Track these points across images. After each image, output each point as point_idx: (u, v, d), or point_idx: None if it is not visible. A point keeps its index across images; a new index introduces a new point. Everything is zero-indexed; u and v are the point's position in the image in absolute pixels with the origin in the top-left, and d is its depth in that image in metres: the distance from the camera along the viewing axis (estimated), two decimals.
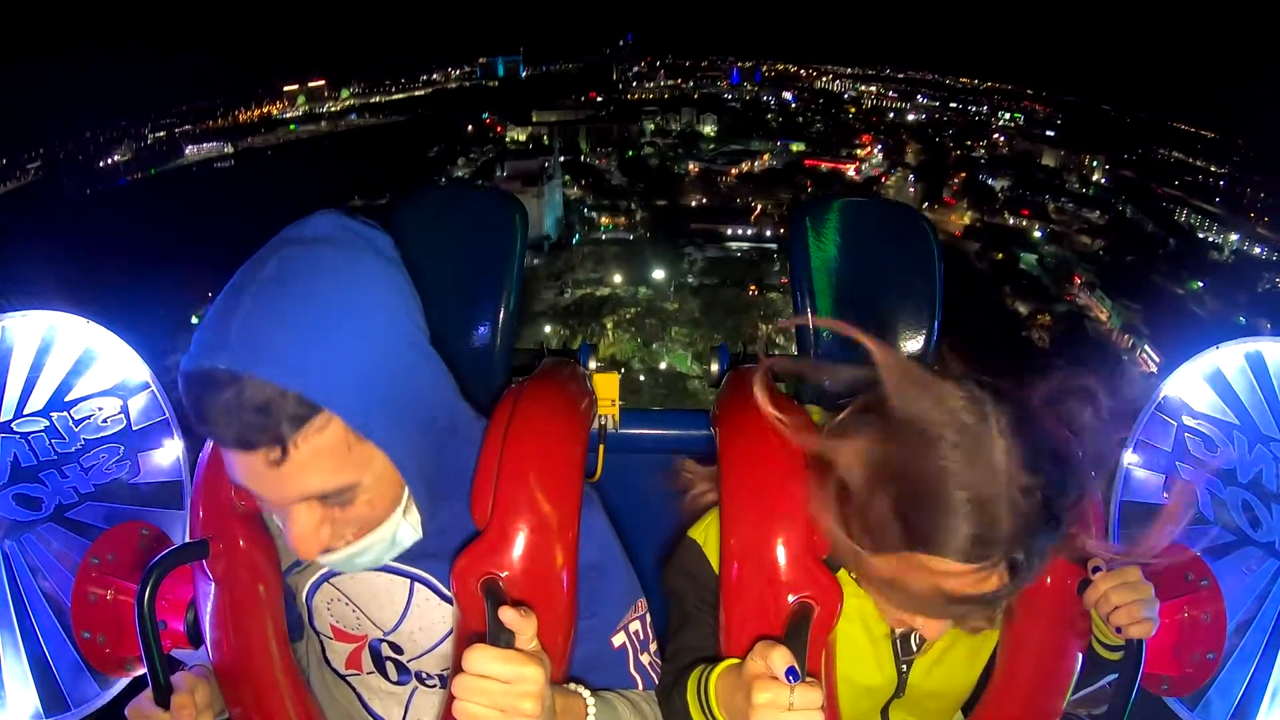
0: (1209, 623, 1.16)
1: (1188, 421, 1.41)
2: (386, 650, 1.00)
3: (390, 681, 1.02)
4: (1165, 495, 1.43)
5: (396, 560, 0.91)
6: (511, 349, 1.33)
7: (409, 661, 1.00)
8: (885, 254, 1.37)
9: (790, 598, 0.88)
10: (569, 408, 1.00)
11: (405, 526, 0.85)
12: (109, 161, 50.35)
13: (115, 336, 1.44)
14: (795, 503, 0.90)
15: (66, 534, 1.39)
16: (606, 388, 1.40)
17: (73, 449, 1.40)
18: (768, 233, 43.07)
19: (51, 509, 1.39)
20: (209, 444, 1.01)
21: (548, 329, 34.29)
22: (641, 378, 31.85)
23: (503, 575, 0.87)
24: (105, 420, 1.45)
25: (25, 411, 1.39)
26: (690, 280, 38.40)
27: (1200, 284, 38.46)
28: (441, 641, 0.98)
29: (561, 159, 48.03)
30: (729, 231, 43.10)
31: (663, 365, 33.67)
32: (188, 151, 54.40)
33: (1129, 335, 34.38)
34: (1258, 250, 40.24)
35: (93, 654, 1.20)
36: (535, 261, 40.42)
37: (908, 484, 0.77)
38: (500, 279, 1.31)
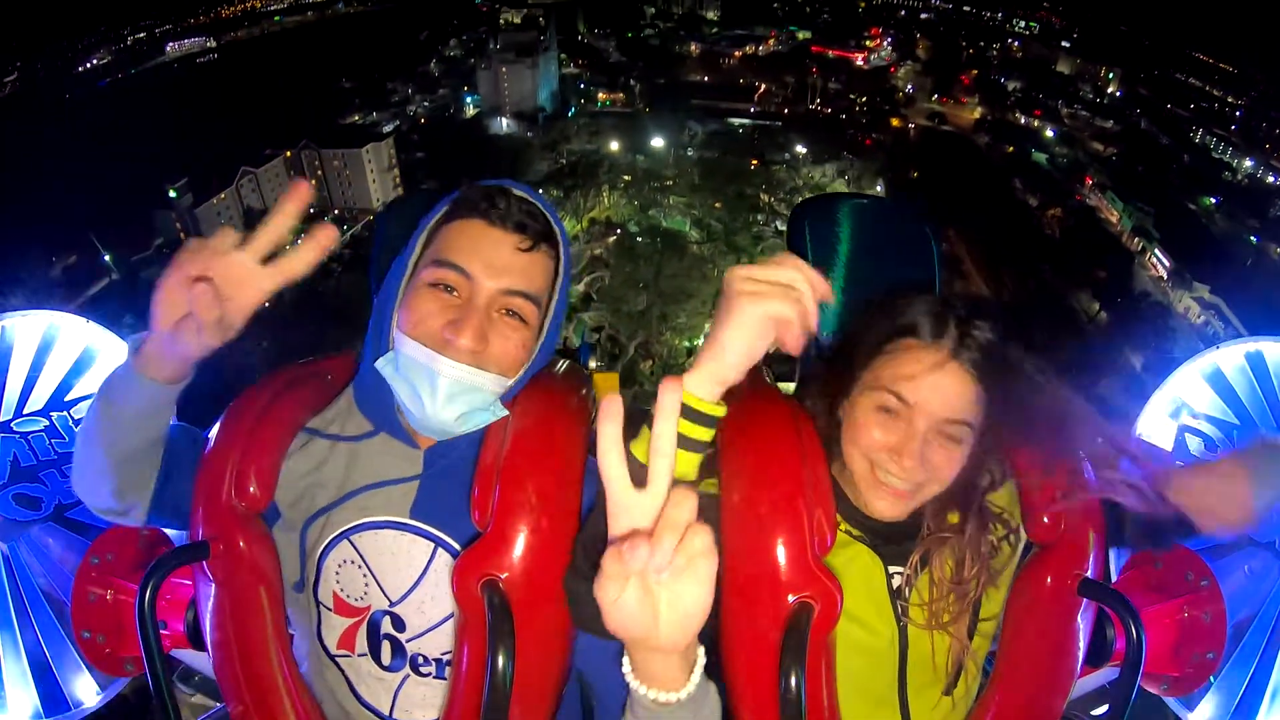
0: (1209, 623, 1.16)
1: (1188, 421, 1.41)
2: (387, 626, 0.99)
3: (381, 667, 1.01)
4: None
5: (420, 520, 0.98)
6: None
7: (408, 641, 1.00)
8: (884, 253, 1.37)
9: (790, 598, 0.88)
10: (569, 409, 1.01)
11: (497, 401, 0.96)
12: (88, 66, 47.26)
13: (115, 336, 1.44)
14: (795, 502, 0.90)
15: (66, 534, 1.39)
16: (606, 387, 1.39)
17: (72, 448, 1.40)
18: (771, 109, 41.73)
19: (51, 509, 1.39)
20: (209, 444, 1.01)
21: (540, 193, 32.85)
22: (640, 239, 30.56)
23: (503, 576, 0.87)
24: None
25: (25, 411, 1.39)
26: (690, 153, 37.00)
27: (1213, 200, 37.17)
28: (446, 619, 0.98)
29: (558, 38, 45.67)
30: (732, 108, 41.41)
31: (661, 227, 32.44)
32: (169, 49, 50.85)
33: (1139, 238, 33.61)
34: (1271, 179, 38.65)
35: (93, 654, 1.20)
36: (529, 134, 38.87)
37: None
38: None
